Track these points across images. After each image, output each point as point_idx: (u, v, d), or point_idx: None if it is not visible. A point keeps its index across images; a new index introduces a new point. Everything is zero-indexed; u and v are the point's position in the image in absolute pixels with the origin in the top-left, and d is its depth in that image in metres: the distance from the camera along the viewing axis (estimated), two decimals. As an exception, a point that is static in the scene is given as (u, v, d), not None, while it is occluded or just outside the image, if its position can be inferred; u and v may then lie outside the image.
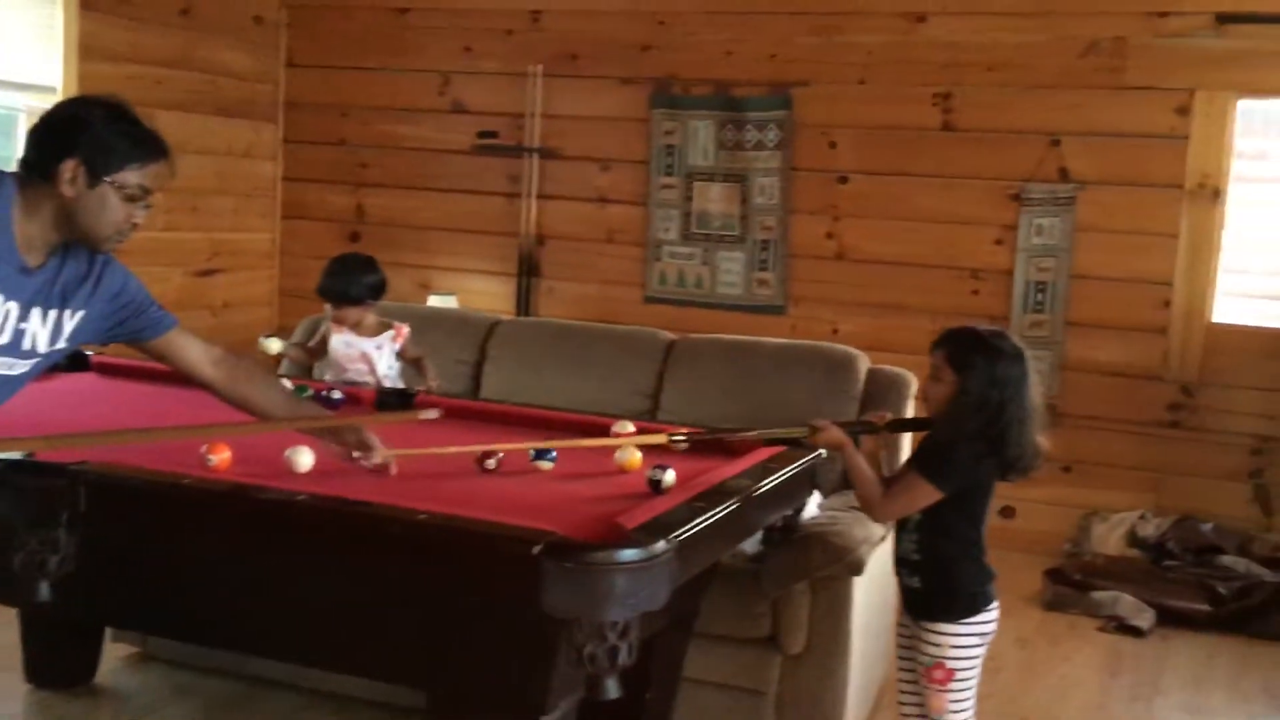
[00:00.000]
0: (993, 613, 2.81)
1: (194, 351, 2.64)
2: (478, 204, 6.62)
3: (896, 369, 4.10)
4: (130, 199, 2.37)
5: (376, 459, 2.66)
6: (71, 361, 3.65)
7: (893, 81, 5.87)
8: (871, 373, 4.09)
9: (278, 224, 6.97)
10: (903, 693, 2.93)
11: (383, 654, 2.39)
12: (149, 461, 2.52)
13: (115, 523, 2.43)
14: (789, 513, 3.17)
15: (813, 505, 3.43)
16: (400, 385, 4.02)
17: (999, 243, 5.76)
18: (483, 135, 6.54)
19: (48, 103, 5.45)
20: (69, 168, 2.31)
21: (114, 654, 3.85)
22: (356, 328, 4.09)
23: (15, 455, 2.43)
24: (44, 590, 2.36)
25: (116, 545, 2.51)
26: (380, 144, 6.80)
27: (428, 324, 4.50)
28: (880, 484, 2.85)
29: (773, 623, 3.38)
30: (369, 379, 4.01)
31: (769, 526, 3.12)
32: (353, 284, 4.06)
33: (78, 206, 2.33)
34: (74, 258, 2.43)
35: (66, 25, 5.56)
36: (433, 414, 2.65)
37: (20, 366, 2.43)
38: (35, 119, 2.40)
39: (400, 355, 4.14)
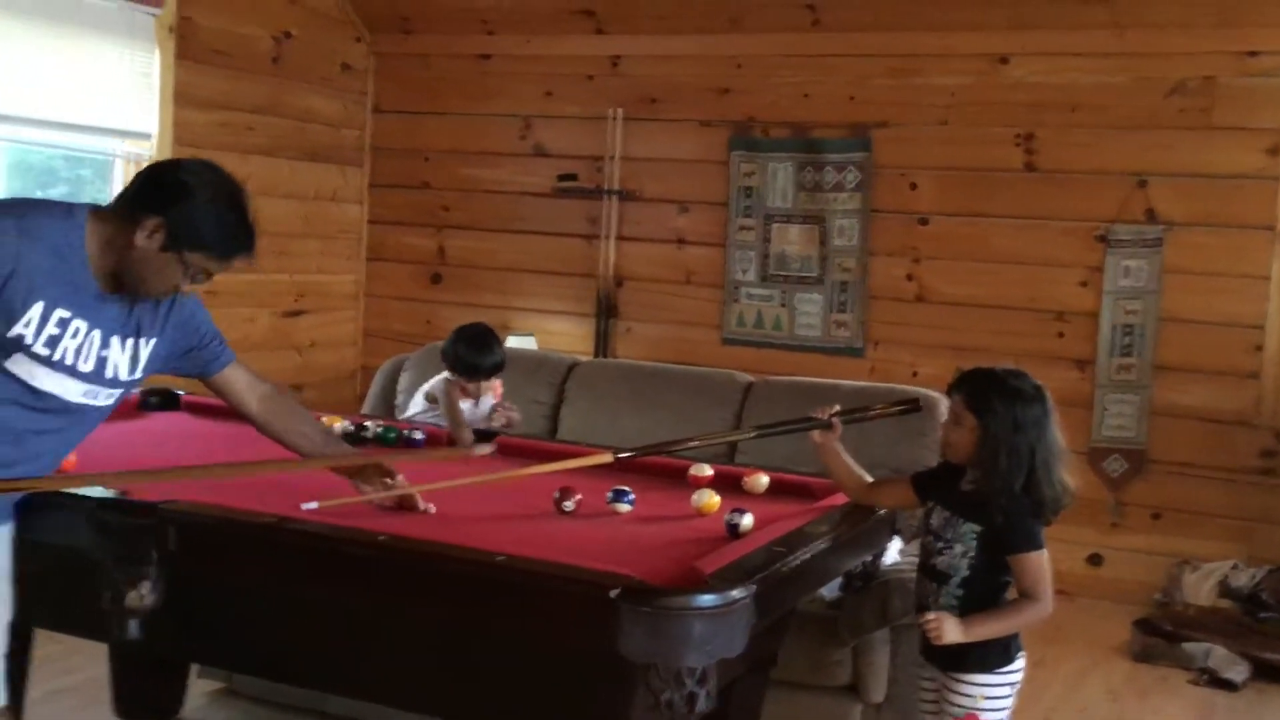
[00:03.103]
0: (1022, 661, 2.75)
1: (243, 386, 2.71)
2: (557, 245, 6.68)
3: (978, 413, 4.04)
4: (191, 277, 2.41)
5: (398, 491, 2.66)
6: (162, 400, 3.75)
7: (974, 122, 5.83)
8: (952, 417, 4.03)
9: (363, 266, 7.10)
10: None
11: (460, 695, 2.39)
12: (236, 501, 2.56)
13: (202, 561, 2.47)
14: (869, 558, 3.13)
15: (893, 551, 3.38)
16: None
17: (1084, 285, 5.67)
18: (563, 178, 6.61)
19: (142, 149, 5.71)
20: (152, 224, 2.33)
21: (199, 689, 3.91)
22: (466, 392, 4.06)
23: (108, 493, 2.49)
24: (133, 628, 2.40)
25: (203, 583, 2.55)
26: (462, 187, 6.90)
27: (507, 364, 4.52)
28: (1013, 599, 2.69)
29: (853, 670, 3.33)
30: None
31: (849, 572, 3.08)
32: (498, 356, 3.97)
33: (141, 257, 2.36)
34: None
35: (163, 74, 5.74)
36: (487, 449, 2.57)
37: (105, 397, 2.47)
38: (142, 164, 2.43)
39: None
